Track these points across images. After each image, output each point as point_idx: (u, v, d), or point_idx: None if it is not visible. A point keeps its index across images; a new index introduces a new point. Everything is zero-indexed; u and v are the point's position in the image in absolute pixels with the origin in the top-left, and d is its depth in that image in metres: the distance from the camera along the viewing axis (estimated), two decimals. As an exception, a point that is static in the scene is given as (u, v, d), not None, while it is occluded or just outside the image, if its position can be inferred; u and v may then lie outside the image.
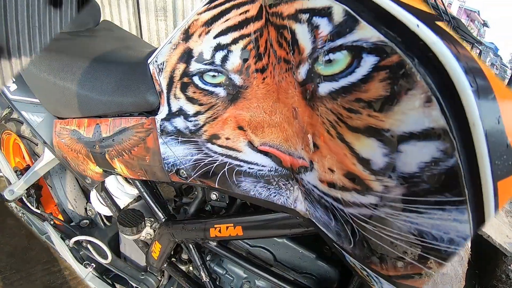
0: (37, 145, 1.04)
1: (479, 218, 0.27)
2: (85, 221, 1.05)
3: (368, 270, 0.39)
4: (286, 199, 0.43)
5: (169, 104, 0.48)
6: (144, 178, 0.61)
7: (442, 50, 0.26)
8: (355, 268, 0.42)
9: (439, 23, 0.28)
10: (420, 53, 0.26)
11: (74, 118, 0.69)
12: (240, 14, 0.39)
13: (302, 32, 0.33)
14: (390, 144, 0.29)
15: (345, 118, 0.31)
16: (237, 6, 0.39)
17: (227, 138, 0.44)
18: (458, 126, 0.26)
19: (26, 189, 1.10)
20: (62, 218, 1.08)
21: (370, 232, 0.34)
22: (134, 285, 0.84)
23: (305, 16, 0.32)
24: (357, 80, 0.29)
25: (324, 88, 0.32)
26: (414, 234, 0.31)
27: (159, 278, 0.84)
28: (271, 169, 0.43)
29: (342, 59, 0.30)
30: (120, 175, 0.66)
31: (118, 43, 0.82)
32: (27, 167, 1.18)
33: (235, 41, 0.40)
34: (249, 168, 0.44)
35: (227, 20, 0.40)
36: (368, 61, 0.28)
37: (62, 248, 0.95)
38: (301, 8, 0.33)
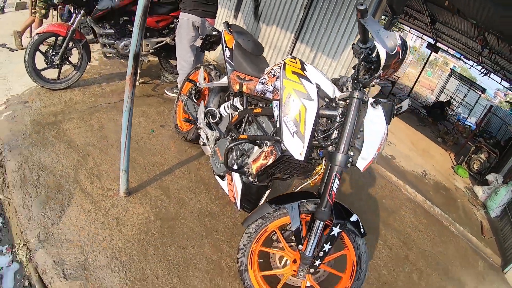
0: (214, 75, 2.64)
1: None
2: (215, 113, 2.54)
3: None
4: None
5: (262, 81, 1.93)
6: (246, 92, 2.06)
7: None
8: None
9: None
10: None
11: (239, 72, 2.21)
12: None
13: None
14: None
15: None
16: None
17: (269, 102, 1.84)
18: None
19: (204, 88, 2.70)
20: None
21: None
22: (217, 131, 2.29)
23: None
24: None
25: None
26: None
27: (226, 136, 2.25)
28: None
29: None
30: (243, 91, 2.12)
31: (263, 65, 2.36)
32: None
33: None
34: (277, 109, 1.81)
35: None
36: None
37: (202, 112, 2.46)
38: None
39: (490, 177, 5.76)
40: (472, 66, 11.02)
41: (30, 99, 2.88)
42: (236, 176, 1.95)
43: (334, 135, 1.57)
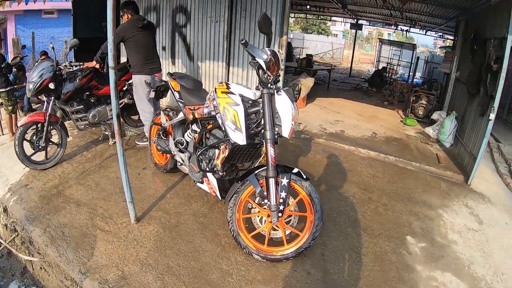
0: (172, 114, 3.39)
1: None
2: (182, 141, 3.27)
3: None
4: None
5: (206, 105, 2.69)
6: (198, 117, 2.82)
7: None
8: None
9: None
10: None
11: (190, 105, 2.95)
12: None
13: None
14: None
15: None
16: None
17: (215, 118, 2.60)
18: None
19: (167, 126, 3.43)
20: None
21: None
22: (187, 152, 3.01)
23: None
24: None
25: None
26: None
27: (195, 153, 2.97)
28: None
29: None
30: (196, 117, 2.86)
31: (205, 94, 3.13)
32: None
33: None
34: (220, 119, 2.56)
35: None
36: None
37: (172, 144, 3.18)
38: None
39: (435, 115, 6.69)
40: (396, 29, 12.42)
41: (28, 182, 3.48)
42: (210, 175, 2.67)
43: (263, 121, 2.33)
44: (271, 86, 2.30)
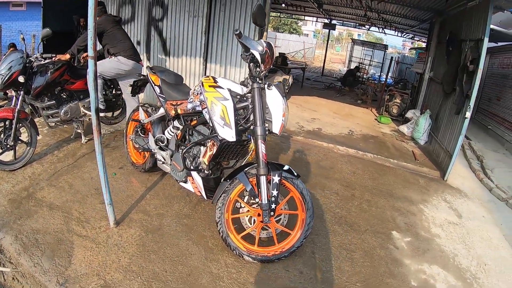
0: (151, 110, 3.24)
1: None
2: (163, 138, 3.12)
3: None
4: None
5: (190, 100, 2.57)
6: (181, 113, 2.70)
7: None
8: None
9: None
10: None
11: (171, 100, 2.82)
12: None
13: None
14: None
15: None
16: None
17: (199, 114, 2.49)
18: None
19: (146, 123, 3.27)
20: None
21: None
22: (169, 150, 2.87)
23: None
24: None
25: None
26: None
27: (177, 150, 2.84)
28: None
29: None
30: (178, 113, 2.75)
31: (187, 89, 3.01)
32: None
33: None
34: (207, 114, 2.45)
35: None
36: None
37: (152, 141, 3.04)
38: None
39: (409, 114, 6.90)
40: (368, 29, 12.74)
41: (-5, 184, 3.21)
42: (195, 174, 2.55)
43: (251, 117, 2.25)
44: (262, 81, 2.22)
